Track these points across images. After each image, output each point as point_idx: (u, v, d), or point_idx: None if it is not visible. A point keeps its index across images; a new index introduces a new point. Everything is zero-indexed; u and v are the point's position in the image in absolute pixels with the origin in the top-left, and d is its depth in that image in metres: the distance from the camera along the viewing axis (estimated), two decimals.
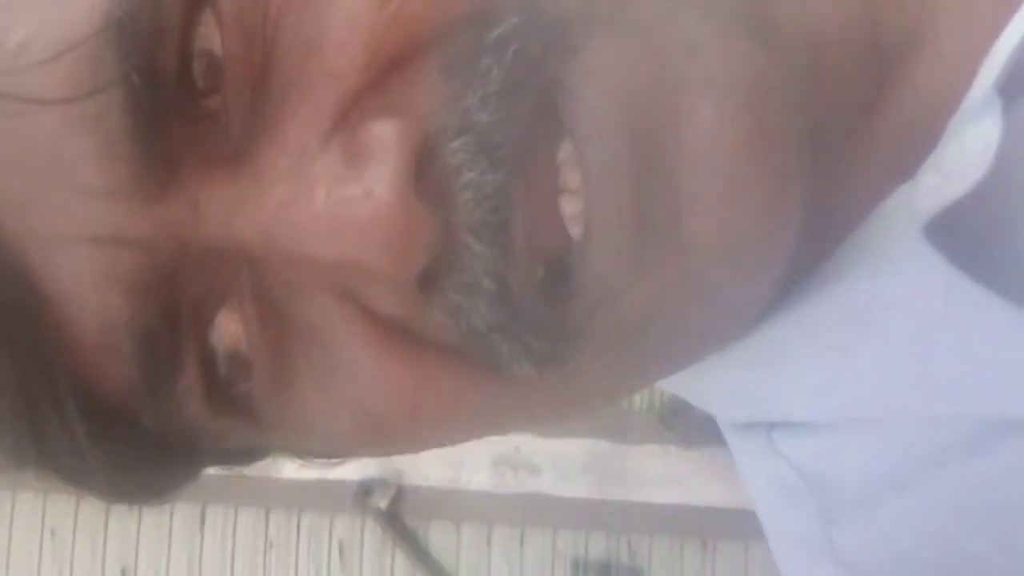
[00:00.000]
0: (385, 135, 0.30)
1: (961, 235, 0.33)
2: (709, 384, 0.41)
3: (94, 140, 0.31)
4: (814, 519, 0.38)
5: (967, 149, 0.32)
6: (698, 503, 2.33)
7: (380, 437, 0.35)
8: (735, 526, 2.09)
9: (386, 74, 0.31)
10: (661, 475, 2.35)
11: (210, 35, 0.32)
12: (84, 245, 0.31)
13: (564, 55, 0.31)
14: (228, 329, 0.33)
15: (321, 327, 0.33)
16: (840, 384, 0.37)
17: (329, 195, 0.30)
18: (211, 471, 0.40)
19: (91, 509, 2.41)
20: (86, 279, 0.32)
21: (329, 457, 0.41)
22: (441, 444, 0.36)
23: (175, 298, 0.32)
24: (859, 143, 0.36)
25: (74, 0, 0.31)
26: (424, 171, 0.30)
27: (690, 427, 2.18)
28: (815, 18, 0.35)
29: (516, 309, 0.31)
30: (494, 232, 0.31)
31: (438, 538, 2.67)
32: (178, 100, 0.32)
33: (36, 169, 0.31)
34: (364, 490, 2.40)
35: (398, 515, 2.47)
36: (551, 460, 2.41)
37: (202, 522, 2.49)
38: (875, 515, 0.37)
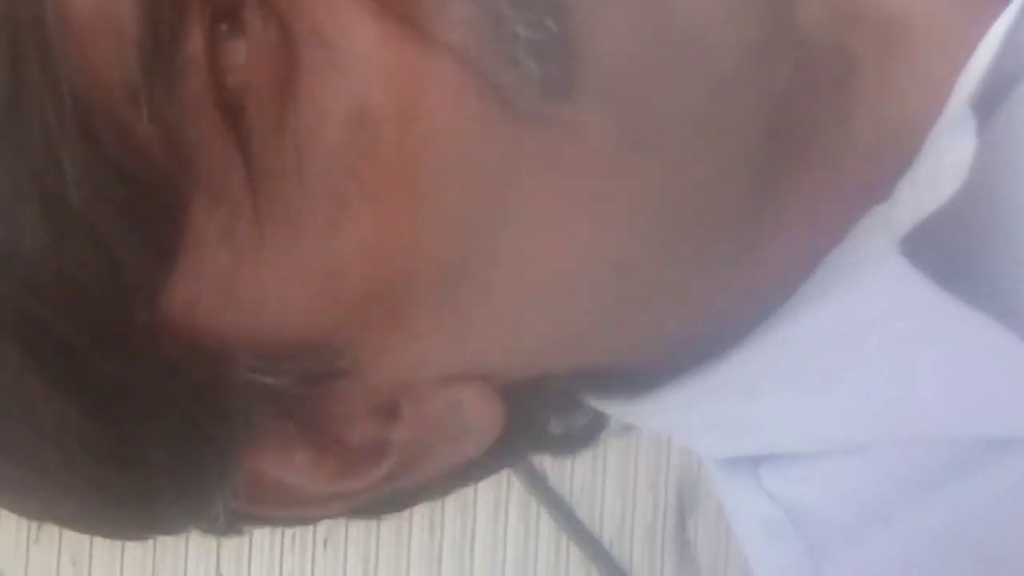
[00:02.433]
0: None
1: (940, 251, 0.32)
2: (692, 419, 0.39)
3: None
4: (803, 559, 0.37)
5: (942, 163, 0.32)
6: None
7: (370, 154, 0.31)
8: None
9: None
10: None
11: None
12: None
13: None
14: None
15: (327, 18, 0.31)
16: (822, 410, 0.36)
17: None
18: None
19: None
20: None
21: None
22: (429, 194, 0.32)
23: None
24: (833, 156, 0.35)
25: None
26: None
27: None
28: None
29: None
30: None
31: None
32: None
33: None
34: None
35: None
36: None
37: None
38: (863, 550, 0.36)
